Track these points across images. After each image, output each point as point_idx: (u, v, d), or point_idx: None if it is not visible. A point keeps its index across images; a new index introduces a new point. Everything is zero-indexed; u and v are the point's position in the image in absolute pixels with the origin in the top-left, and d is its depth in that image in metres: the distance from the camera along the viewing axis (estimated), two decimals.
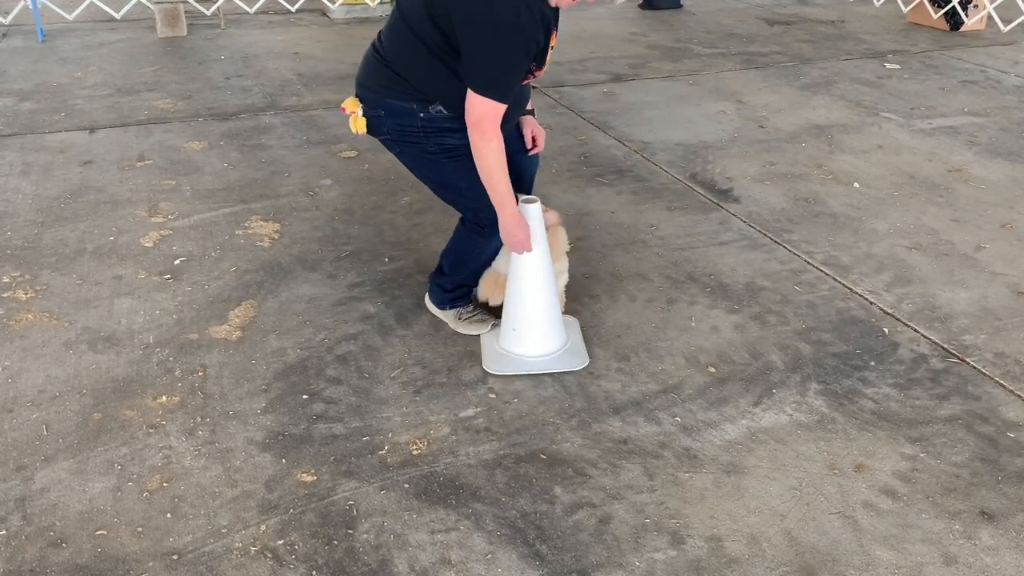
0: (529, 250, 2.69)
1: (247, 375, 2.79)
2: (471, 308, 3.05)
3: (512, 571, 2.08)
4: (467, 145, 2.53)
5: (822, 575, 2.08)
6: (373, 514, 2.24)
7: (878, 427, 2.59)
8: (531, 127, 2.93)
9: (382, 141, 2.72)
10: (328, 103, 5.51)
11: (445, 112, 2.55)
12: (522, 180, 2.92)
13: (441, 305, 3.05)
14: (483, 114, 2.41)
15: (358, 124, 2.65)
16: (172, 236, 3.70)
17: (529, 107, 2.91)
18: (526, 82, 2.59)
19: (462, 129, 2.51)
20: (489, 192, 2.56)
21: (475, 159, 2.50)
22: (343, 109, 2.67)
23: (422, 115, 2.56)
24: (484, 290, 3.03)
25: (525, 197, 2.72)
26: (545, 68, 2.60)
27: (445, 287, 3.00)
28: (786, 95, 5.81)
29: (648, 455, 2.46)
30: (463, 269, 2.95)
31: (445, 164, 2.65)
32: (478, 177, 2.55)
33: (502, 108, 2.43)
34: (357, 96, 2.66)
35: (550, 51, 2.56)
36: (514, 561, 2.10)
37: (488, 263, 2.97)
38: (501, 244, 2.83)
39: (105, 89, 5.76)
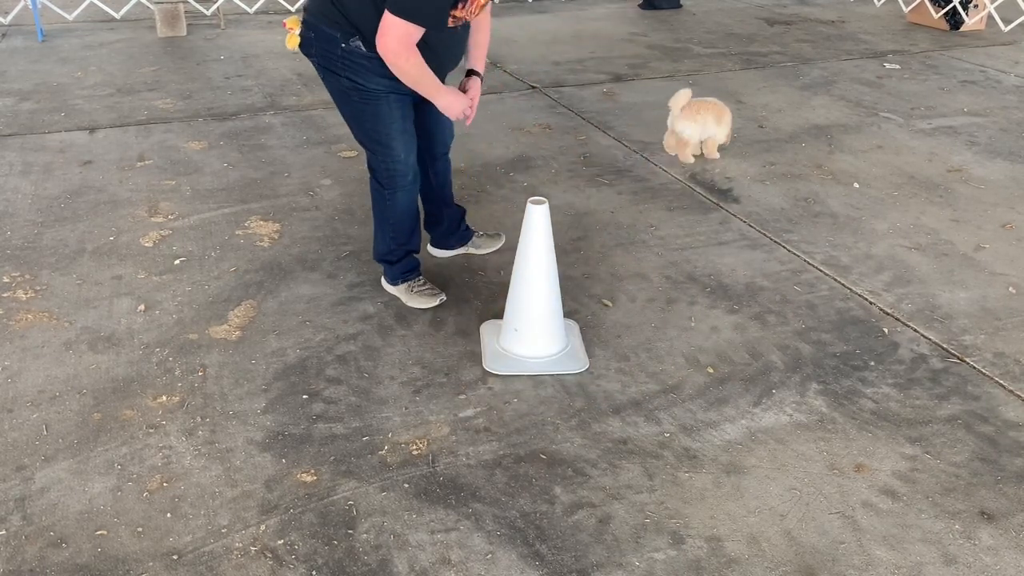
0: (466, 114, 2.91)
1: (247, 375, 2.79)
2: (421, 281, 3.18)
3: (512, 571, 2.08)
4: (379, 90, 2.77)
5: (822, 575, 2.08)
6: (373, 514, 2.24)
7: (878, 427, 2.59)
8: (475, 93, 3.01)
9: (313, 65, 2.87)
10: (328, 103, 5.50)
11: (364, 49, 2.69)
12: (424, 157, 3.09)
13: (394, 281, 3.18)
14: (397, 37, 2.56)
15: (292, 41, 2.84)
16: (172, 236, 3.70)
17: (479, 70, 3.03)
18: (452, 24, 2.66)
19: (376, 72, 2.72)
20: (424, 93, 2.78)
21: (400, 77, 2.68)
22: (284, 24, 2.89)
23: (343, 46, 2.71)
24: (668, 146, 4.24)
25: (534, 198, 2.73)
26: (470, 12, 2.68)
27: (391, 259, 3.13)
28: (786, 95, 5.81)
29: (648, 455, 2.46)
30: (385, 227, 3.08)
31: (356, 103, 2.83)
32: (382, 124, 2.83)
33: (415, 31, 2.56)
34: (302, 17, 2.84)
35: None
36: (514, 561, 2.10)
37: (411, 222, 3.08)
38: (408, 200, 3.00)
39: (105, 89, 5.76)
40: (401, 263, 3.15)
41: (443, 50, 2.79)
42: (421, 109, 2.95)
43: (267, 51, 6.83)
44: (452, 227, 3.44)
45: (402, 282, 3.17)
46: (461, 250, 3.52)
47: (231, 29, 7.62)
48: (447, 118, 3.10)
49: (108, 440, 2.49)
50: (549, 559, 2.11)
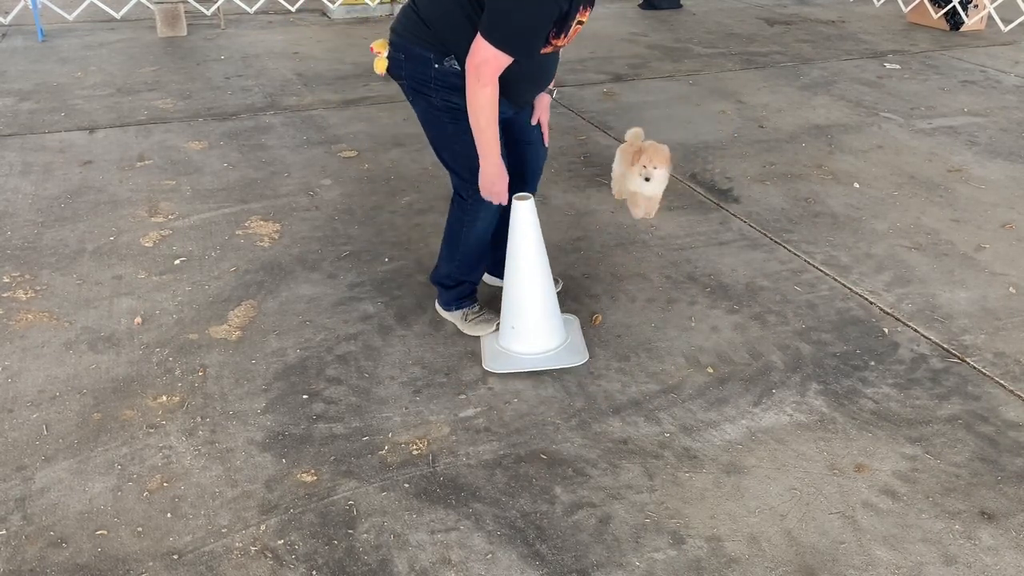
0: (504, 202, 2.72)
1: (247, 375, 2.79)
2: (477, 308, 3.05)
3: (512, 571, 2.08)
4: None
5: (822, 575, 2.08)
6: (373, 514, 2.24)
7: (878, 427, 2.59)
8: (541, 112, 2.94)
9: (400, 86, 2.76)
10: (328, 103, 5.51)
11: (458, 67, 2.57)
12: (524, 172, 2.94)
13: (447, 306, 3.05)
14: (485, 60, 2.44)
15: (380, 65, 2.70)
16: (172, 236, 3.70)
17: (551, 87, 2.92)
18: (548, 51, 2.58)
19: None
20: (475, 137, 2.59)
21: (468, 100, 2.53)
22: (371, 48, 2.74)
23: (436, 66, 2.59)
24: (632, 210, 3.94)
25: (519, 195, 2.72)
26: (567, 40, 2.59)
27: (446, 283, 3.00)
28: (786, 95, 5.81)
29: (648, 455, 2.46)
30: (455, 252, 2.93)
31: (447, 124, 2.68)
32: (474, 148, 2.60)
33: (506, 61, 2.45)
34: (389, 39, 2.72)
35: (577, 26, 2.58)
36: (514, 561, 2.10)
37: (479, 252, 2.94)
38: (485, 229, 2.85)
39: (105, 89, 5.76)
40: (456, 289, 3.00)
41: (540, 72, 2.72)
42: (511, 141, 2.80)
43: (267, 51, 6.83)
44: None
45: (456, 308, 3.04)
46: None
47: (231, 29, 7.62)
48: (538, 156, 2.99)
49: (108, 440, 2.49)
50: (549, 559, 2.11)
